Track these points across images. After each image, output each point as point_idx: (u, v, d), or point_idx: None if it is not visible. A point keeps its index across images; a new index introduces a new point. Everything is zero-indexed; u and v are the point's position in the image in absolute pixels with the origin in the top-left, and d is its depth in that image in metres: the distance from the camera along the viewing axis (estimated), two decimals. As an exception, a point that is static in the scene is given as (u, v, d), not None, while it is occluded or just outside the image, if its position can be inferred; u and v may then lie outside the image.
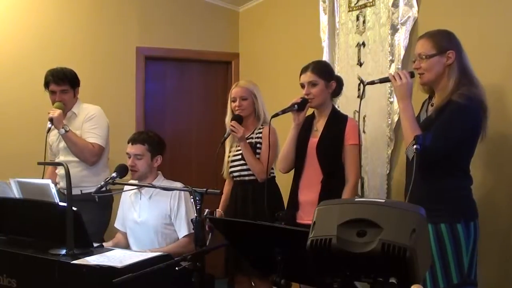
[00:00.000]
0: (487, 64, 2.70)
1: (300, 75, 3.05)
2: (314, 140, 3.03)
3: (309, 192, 2.98)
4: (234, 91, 3.41)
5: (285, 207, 3.21)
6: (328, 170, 2.96)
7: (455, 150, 2.42)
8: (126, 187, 3.19)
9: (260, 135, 3.34)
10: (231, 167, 3.41)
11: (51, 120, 3.41)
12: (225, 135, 3.31)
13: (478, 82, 2.47)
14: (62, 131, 3.43)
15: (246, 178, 3.35)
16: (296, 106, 2.99)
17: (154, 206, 3.18)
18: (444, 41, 2.49)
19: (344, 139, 2.97)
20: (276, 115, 3.00)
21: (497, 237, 2.77)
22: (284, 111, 3.01)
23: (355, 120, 3.06)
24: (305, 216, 2.97)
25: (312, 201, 2.89)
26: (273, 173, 3.39)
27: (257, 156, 3.30)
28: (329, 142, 2.98)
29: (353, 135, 2.95)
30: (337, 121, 3.01)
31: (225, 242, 2.42)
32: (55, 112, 3.42)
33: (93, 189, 3.01)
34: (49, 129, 3.48)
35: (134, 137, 3.29)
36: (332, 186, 2.94)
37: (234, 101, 3.39)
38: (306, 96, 3.00)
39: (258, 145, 3.31)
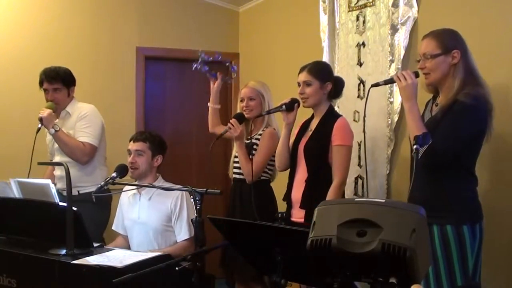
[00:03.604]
0: (487, 64, 2.69)
1: (298, 74, 3.07)
2: (304, 140, 3.06)
3: (297, 190, 3.01)
4: (243, 91, 3.46)
5: (277, 209, 3.26)
6: (313, 170, 2.96)
7: (462, 151, 2.39)
8: (125, 187, 3.19)
9: (260, 137, 3.36)
10: (234, 162, 3.44)
11: (41, 119, 3.39)
12: (222, 131, 3.32)
13: (484, 82, 2.44)
14: (52, 130, 3.41)
15: (237, 176, 3.40)
16: (284, 106, 3.05)
17: (154, 207, 3.17)
18: (449, 40, 2.46)
19: (331, 139, 2.95)
20: (260, 115, 3.24)
21: (501, 238, 2.75)
22: (269, 112, 3.18)
23: (346, 121, 3.02)
24: (296, 214, 3.00)
25: (298, 199, 2.96)
26: (266, 176, 3.37)
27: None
28: (316, 142, 2.99)
29: (339, 135, 2.93)
30: (328, 121, 3.00)
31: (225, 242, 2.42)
32: (45, 112, 3.40)
33: (90, 189, 3.00)
34: (39, 129, 3.45)
35: (136, 135, 3.33)
36: (315, 186, 2.93)
37: (242, 101, 3.42)
38: (300, 95, 3.03)
39: (254, 146, 3.32)
